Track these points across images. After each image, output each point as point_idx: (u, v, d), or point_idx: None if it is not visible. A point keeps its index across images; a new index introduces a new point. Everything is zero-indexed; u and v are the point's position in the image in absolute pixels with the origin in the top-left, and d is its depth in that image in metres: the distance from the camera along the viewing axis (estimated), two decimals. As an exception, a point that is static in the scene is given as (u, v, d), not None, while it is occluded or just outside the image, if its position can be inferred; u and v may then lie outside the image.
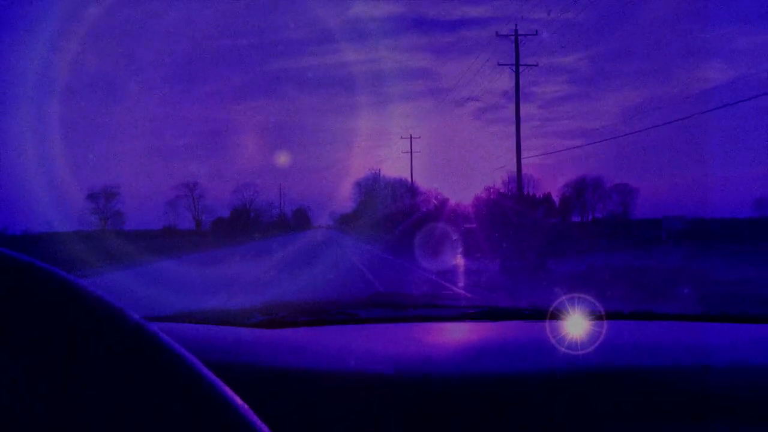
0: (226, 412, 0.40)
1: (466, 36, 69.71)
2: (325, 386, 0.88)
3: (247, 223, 55.84)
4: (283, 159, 59.39)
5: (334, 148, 76.69)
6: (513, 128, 28.16)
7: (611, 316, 1.37)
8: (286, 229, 59.38)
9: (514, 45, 28.71)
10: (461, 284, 11.12)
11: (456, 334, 1.36)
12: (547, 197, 56.71)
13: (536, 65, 29.22)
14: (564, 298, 1.39)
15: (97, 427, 0.38)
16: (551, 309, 1.38)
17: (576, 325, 1.19)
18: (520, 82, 27.73)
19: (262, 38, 67.43)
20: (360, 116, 75.87)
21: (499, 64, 29.42)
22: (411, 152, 47.34)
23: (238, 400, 0.41)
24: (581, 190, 57.44)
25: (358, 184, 67.23)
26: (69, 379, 0.39)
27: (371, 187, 64.46)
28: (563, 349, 1.02)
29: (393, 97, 79.61)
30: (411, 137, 46.06)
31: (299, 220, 70.56)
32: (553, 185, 64.43)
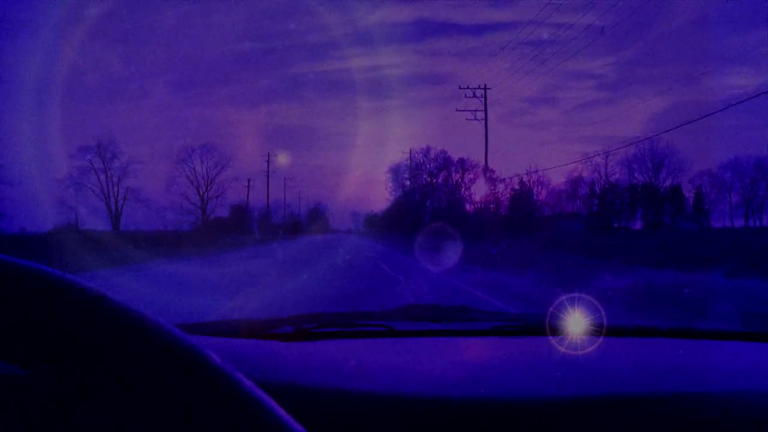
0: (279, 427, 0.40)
1: (491, 40, 60.43)
2: (358, 406, 0.85)
3: (243, 225, 46.86)
4: (292, 158, 50.14)
5: (355, 151, 68.43)
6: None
7: (615, 331, 1.38)
8: (287, 235, 50.06)
9: None
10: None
11: (492, 350, 1.33)
12: (676, 190, 41.10)
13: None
14: (603, 314, 1.38)
15: None
16: (586, 326, 1.36)
17: (600, 342, 1.23)
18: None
19: (283, 42, 59.75)
20: (385, 118, 66.91)
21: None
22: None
23: (290, 419, 0.41)
24: (731, 179, 39.71)
25: (394, 170, 50.47)
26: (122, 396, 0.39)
27: (416, 172, 47.44)
28: (599, 369, 1.05)
29: (420, 101, 70.61)
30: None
31: (314, 222, 61.87)
32: (688, 170, 44.57)
